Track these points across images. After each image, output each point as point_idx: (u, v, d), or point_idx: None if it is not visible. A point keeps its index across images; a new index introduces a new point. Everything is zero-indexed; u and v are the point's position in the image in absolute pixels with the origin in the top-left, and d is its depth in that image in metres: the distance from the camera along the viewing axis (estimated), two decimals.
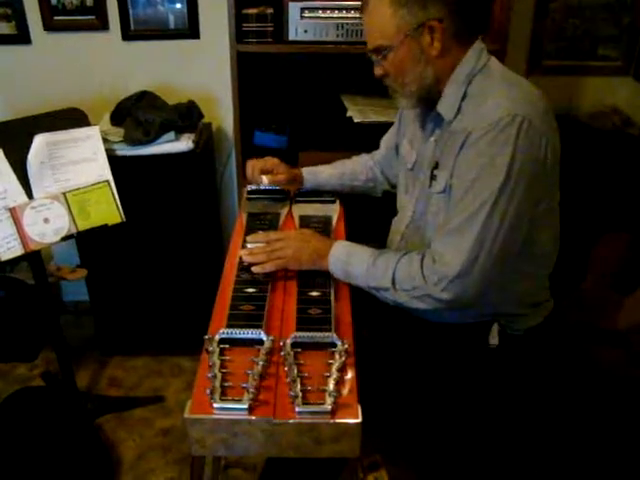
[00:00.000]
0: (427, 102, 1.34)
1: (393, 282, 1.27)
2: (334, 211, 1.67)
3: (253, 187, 1.74)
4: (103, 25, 2.26)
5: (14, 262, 2.33)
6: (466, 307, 1.29)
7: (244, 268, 1.36)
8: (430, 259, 1.24)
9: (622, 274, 2.05)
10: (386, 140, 1.73)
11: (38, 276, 1.90)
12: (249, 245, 1.42)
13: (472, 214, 1.20)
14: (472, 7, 1.26)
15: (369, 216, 1.77)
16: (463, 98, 1.28)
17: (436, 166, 1.34)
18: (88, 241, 2.15)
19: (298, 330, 1.13)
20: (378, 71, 1.34)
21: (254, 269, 1.34)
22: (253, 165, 1.69)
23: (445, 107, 1.30)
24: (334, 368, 1.02)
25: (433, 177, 1.34)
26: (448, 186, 1.28)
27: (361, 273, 1.31)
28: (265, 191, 1.73)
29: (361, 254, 1.33)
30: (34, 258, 1.84)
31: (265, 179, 1.66)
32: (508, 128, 1.16)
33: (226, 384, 1.01)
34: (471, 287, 1.22)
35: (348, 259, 1.32)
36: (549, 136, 1.21)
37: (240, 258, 1.39)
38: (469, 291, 1.22)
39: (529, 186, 1.19)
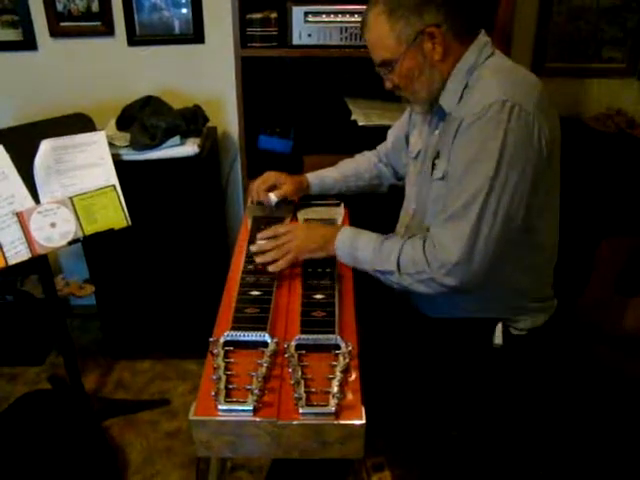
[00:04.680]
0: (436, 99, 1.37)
1: (398, 266, 1.28)
2: (339, 214, 1.68)
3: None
4: (109, 30, 2.28)
5: (24, 275, 2.37)
6: (470, 291, 1.29)
7: (249, 271, 1.38)
8: (431, 244, 1.26)
9: (626, 276, 2.05)
10: (394, 130, 1.73)
11: (46, 281, 1.91)
12: (259, 242, 1.44)
13: (468, 201, 1.21)
14: (467, 6, 1.29)
15: (374, 219, 1.77)
16: (465, 88, 1.30)
17: (437, 155, 1.36)
18: (95, 245, 2.16)
19: (302, 332, 1.14)
20: (388, 84, 1.38)
21: (270, 268, 1.36)
22: (257, 187, 1.70)
23: (447, 100, 1.33)
24: (338, 370, 1.03)
25: (434, 166, 1.37)
26: (447, 173, 1.30)
27: (367, 257, 1.33)
28: None
29: (367, 238, 1.35)
30: (41, 262, 1.85)
31: (273, 196, 1.67)
32: (498, 114, 1.18)
33: (231, 386, 1.01)
34: (473, 272, 1.23)
35: (354, 243, 1.34)
36: (542, 122, 1.21)
37: (247, 256, 1.42)
38: (471, 276, 1.24)
39: (523, 170, 1.20)
